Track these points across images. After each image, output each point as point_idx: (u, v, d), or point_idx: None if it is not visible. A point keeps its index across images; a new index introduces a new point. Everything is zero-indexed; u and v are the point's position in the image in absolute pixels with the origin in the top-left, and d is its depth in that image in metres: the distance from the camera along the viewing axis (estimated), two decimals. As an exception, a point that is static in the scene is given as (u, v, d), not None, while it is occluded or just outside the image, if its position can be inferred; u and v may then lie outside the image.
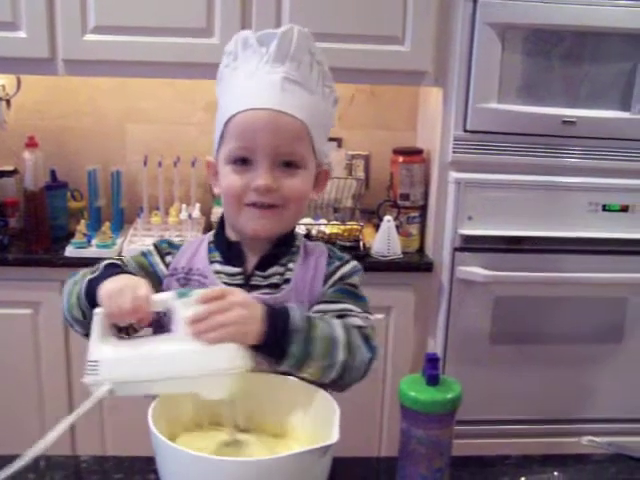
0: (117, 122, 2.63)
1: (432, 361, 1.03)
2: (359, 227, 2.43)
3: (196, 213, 2.45)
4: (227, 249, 1.23)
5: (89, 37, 2.22)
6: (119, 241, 2.40)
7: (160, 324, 1.13)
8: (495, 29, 2.20)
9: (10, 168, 2.52)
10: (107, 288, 1.05)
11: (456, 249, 2.36)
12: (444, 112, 2.31)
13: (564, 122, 2.26)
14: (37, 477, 1.10)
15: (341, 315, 1.15)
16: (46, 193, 2.44)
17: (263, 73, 1.15)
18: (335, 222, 2.46)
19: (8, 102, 2.45)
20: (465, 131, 2.28)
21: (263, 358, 1.05)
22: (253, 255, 1.22)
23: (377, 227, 2.43)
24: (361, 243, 2.40)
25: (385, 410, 2.44)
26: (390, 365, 2.38)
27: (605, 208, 2.36)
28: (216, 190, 1.23)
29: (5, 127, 2.45)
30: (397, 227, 2.40)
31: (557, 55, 2.25)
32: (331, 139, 2.61)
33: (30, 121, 2.56)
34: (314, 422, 1.05)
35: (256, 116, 1.13)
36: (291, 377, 1.08)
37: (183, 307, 1.01)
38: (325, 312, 1.14)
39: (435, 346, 2.41)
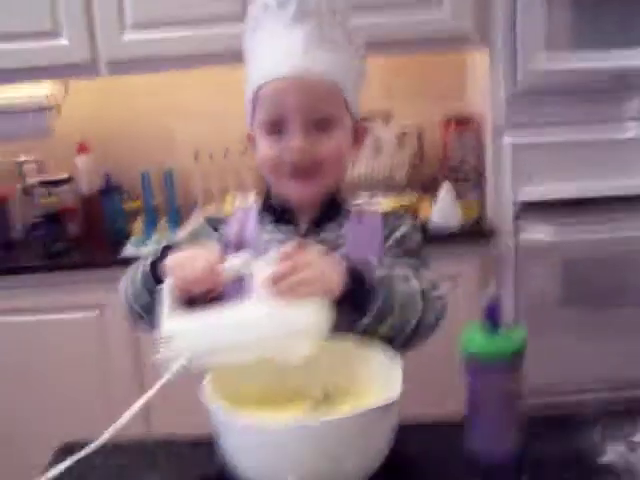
0: (165, 120, 2.64)
1: (493, 307, 0.98)
2: (415, 199, 2.37)
3: (251, 199, 2.43)
4: (276, 215, 1.21)
5: (128, 35, 2.24)
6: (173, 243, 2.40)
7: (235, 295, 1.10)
8: (536, -19, 2.12)
9: (65, 176, 2.55)
10: (175, 257, 1.04)
11: (518, 214, 2.28)
12: (492, 74, 2.24)
13: (620, 71, 2.16)
14: (103, 461, 1.08)
15: (405, 278, 1.10)
16: (101, 197, 2.47)
17: (284, 36, 1.12)
18: (390, 197, 2.41)
19: (58, 109, 2.47)
20: (515, 88, 2.20)
21: (343, 313, 1.01)
22: (303, 220, 1.20)
23: (434, 200, 2.37)
24: (419, 217, 2.35)
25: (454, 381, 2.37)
26: (458, 337, 2.31)
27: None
28: (258, 162, 1.21)
29: (52, 135, 2.47)
30: (455, 196, 2.34)
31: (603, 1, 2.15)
32: (380, 112, 2.56)
33: (79, 127, 2.59)
34: (383, 385, 1.00)
35: (282, 83, 1.11)
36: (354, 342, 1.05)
37: (259, 269, 0.98)
38: (391, 267, 1.11)
39: (504, 314, 2.33)
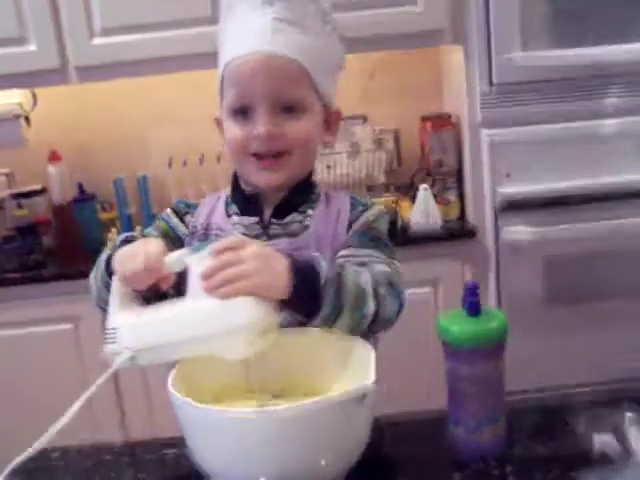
0: (137, 127, 2.60)
1: (472, 289, 0.94)
2: (395, 200, 2.34)
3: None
4: (244, 200, 1.17)
5: (97, 40, 2.19)
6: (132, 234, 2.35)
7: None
8: (509, -26, 2.10)
9: (38, 187, 2.50)
10: (120, 252, 1.00)
11: (498, 211, 2.25)
12: (467, 69, 2.22)
13: (596, 61, 2.14)
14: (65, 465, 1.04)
15: (364, 262, 1.06)
16: (75, 207, 2.42)
17: (254, 17, 1.08)
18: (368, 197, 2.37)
19: (27, 119, 2.43)
20: (491, 85, 2.18)
21: (291, 314, 0.97)
22: (270, 204, 1.16)
23: (413, 200, 2.34)
24: (399, 218, 2.31)
25: (431, 388, 2.33)
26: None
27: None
28: (225, 146, 1.17)
29: (26, 145, 2.43)
30: (434, 196, 2.31)
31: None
32: (356, 116, 2.54)
33: (51, 136, 2.54)
34: (352, 375, 0.96)
35: (248, 62, 1.08)
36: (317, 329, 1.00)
37: (196, 262, 0.93)
38: (348, 258, 1.07)
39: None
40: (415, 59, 2.56)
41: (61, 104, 2.55)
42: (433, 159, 2.37)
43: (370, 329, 1.01)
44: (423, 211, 2.28)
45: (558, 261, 2.26)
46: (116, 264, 0.99)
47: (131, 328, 0.96)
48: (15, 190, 2.50)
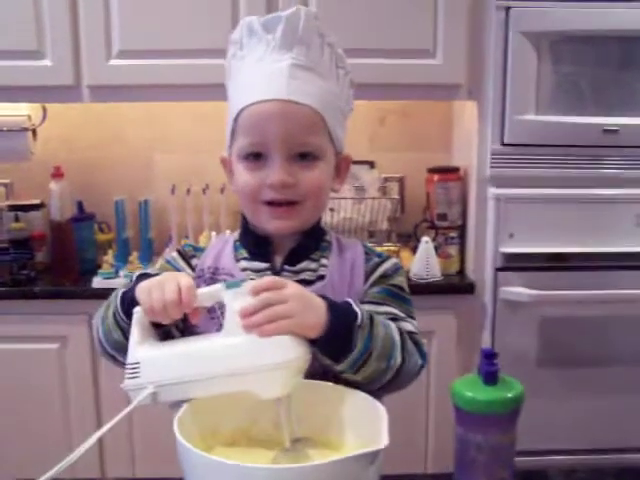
0: (144, 151, 2.59)
1: (489, 356, 0.93)
2: (396, 249, 2.33)
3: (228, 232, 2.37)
4: (253, 245, 1.15)
5: (114, 62, 2.19)
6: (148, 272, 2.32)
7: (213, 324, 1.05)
8: (529, 37, 2.12)
9: (37, 201, 2.47)
10: (145, 283, 0.97)
11: (498, 269, 2.24)
12: (480, 126, 2.22)
13: (605, 131, 2.16)
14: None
15: (388, 319, 1.05)
16: (73, 225, 2.39)
17: (270, 61, 1.07)
18: (371, 245, 2.36)
19: (34, 132, 2.41)
20: (503, 145, 2.19)
21: (322, 355, 0.95)
22: (281, 250, 1.14)
23: (414, 250, 2.33)
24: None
25: (430, 436, 2.30)
26: (433, 390, 2.26)
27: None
28: (233, 188, 1.15)
29: (31, 158, 2.41)
30: (436, 248, 2.30)
31: (595, 61, 2.17)
32: (363, 162, 2.54)
33: (56, 152, 2.52)
34: (364, 432, 0.93)
35: (265, 108, 1.06)
36: (334, 384, 0.97)
37: (233, 299, 0.91)
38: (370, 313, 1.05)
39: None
40: (427, 110, 2.57)
41: (70, 121, 2.54)
42: (437, 211, 2.37)
43: (390, 383, 0.99)
44: (423, 263, 2.26)
45: (554, 324, 2.25)
46: (141, 295, 0.96)
47: (155, 362, 0.93)
48: (13, 202, 2.47)
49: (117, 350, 1.04)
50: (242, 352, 0.89)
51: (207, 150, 2.57)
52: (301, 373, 0.91)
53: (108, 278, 2.23)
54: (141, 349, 0.95)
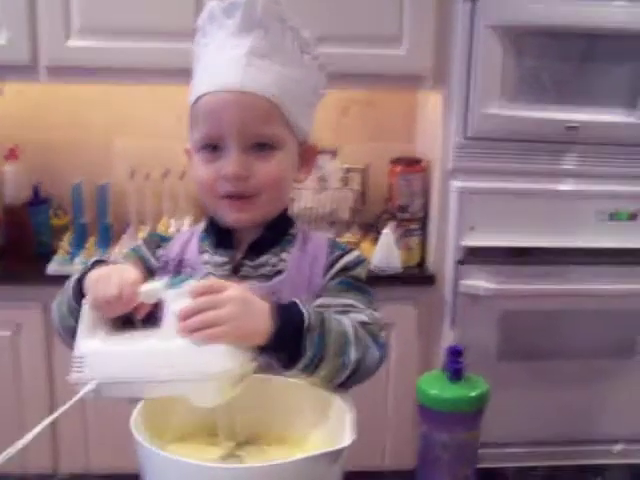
0: (103, 134, 2.52)
1: (455, 354, 0.92)
2: (357, 239, 2.32)
3: (185, 227, 2.33)
4: (216, 237, 1.12)
5: (73, 42, 2.12)
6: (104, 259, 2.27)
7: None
8: (495, 30, 2.10)
9: (-13, 184, 2.40)
10: (93, 274, 0.94)
11: (459, 261, 2.25)
12: (444, 118, 2.21)
13: (568, 127, 2.17)
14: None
15: (344, 311, 1.03)
16: (29, 209, 2.33)
17: (229, 47, 1.04)
18: (331, 235, 2.34)
19: (-12, 112, 2.34)
20: (466, 138, 2.18)
21: (270, 361, 0.93)
22: (244, 243, 1.11)
23: (375, 241, 2.32)
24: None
25: (389, 432, 2.31)
26: (392, 382, 2.25)
27: (613, 217, 2.26)
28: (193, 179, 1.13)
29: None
30: (396, 240, 2.29)
31: (559, 56, 2.16)
32: (325, 151, 2.51)
33: (12, 133, 2.43)
34: (326, 428, 0.92)
35: (218, 99, 1.03)
36: (294, 379, 0.95)
37: (173, 299, 0.88)
38: (327, 307, 1.02)
39: (439, 363, 2.28)
40: (391, 100, 2.56)
41: (26, 99, 2.45)
42: (399, 203, 2.36)
43: (348, 380, 0.96)
44: (384, 254, 2.25)
45: (514, 317, 2.27)
46: (89, 287, 0.93)
47: (98, 358, 0.91)
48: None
49: (73, 337, 0.99)
50: (175, 358, 0.86)
51: (168, 135, 2.53)
52: (239, 383, 0.88)
53: (64, 264, 2.18)
54: (87, 342, 0.92)
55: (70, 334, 1.00)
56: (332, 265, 1.10)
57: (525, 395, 2.30)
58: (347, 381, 0.97)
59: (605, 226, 2.25)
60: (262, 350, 0.90)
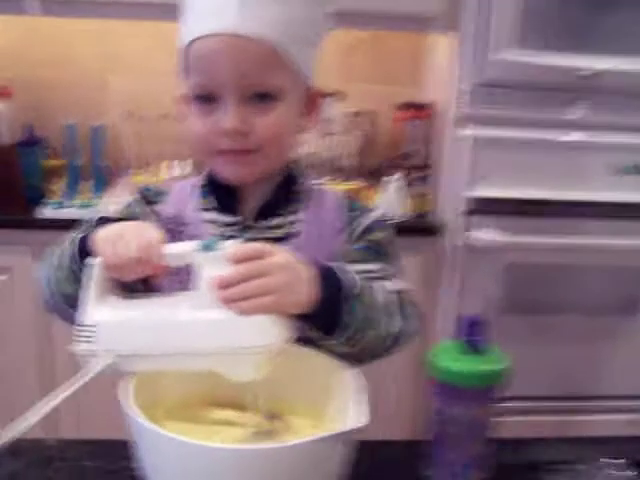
0: (98, 72, 2.41)
1: (473, 324, 0.85)
2: (363, 186, 2.23)
3: (188, 170, 2.24)
4: (218, 194, 1.03)
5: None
6: (100, 202, 2.20)
7: (177, 280, 0.92)
8: (512, -30, 1.99)
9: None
10: (105, 232, 0.84)
11: (467, 212, 2.16)
12: (456, 61, 2.10)
13: (587, 74, 2.06)
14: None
15: (377, 277, 0.95)
16: (20, 150, 2.23)
17: None
18: (336, 181, 2.26)
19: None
20: (477, 84, 2.07)
21: (311, 329, 0.85)
22: (250, 201, 1.02)
23: (382, 188, 2.23)
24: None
25: (389, 393, 2.26)
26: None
27: (628, 170, 2.17)
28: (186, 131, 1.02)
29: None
30: (404, 187, 2.21)
31: (577, 1, 2.05)
32: (330, 93, 2.41)
33: (3, 69, 2.33)
34: (339, 400, 0.85)
35: (211, 44, 0.91)
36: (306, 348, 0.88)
37: (209, 264, 0.79)
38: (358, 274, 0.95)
39: (444, 315, 2.23)
40: (399, 40, 2.44)
41: (19, 34, 2.33)
42: (407, 149, 2.27)
43: (386, 351, 0.91)
44: (390, 202, 2.17)
45: (520, 270, 2.20)
46: (103, 246, 0.83)
47: (114, 328, 0.82)
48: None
49: (69, 305, 0.92)
50: (214, 330, 0.78)
51: (166, 73, 2.41)
52: (279, 356, 0.80)
53: (57, 208, 2.09)
54: (99, 310, 0.82)
55: (67, 301, 0.92)
56: (352, 227, 1.02)
57: (527, 349, 2.24)
58: (385, 353, 0.92)
59: (619, 179, 2.17)
60: (303, 318, 0.82)
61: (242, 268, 0.77)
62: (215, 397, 0.89)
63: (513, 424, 2.04)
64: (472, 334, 0.84)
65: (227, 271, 0.77)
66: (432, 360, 0.85)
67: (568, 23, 2.06)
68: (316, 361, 0.88)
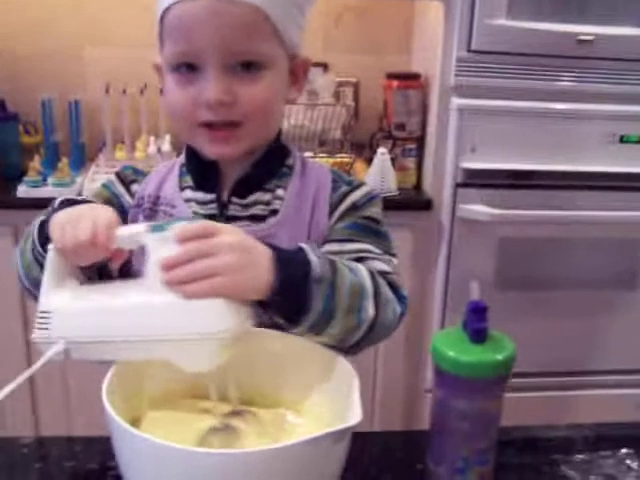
0: (75, 44, 2.31)
1: (478, 311, 0.79)
2: (350, 160, 2.17)
3: (166, 146, 2.17)
4: (198, 172, 0.97)
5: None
6: (79, 179, 2.12)
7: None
8: None
9: (-49, 98, 2.22)
10: (60, 216, 0.80)
11: (458, 185, 2.10)
12: (446, 29, 2.02)
13: (580, 41, 2.00)
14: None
15: (359, 258, 0.89)
16: (-6, 126, 2.16)
17: None
18: (322, 155, 2.19)
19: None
20: (469, 51, 2.00)
21: (272, 318, 0.79)
22: (231, 177, 0.96)
23: (369, 161, 2.17)
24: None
25: (378, 374, 2.22)
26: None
27: (623, 139, 2.12)
28: (164, 105, 0.96)
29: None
30: (392, 160, 2.14)
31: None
32: (316, 64, 2.34)
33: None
34: (327, 391, 0.81)
35: (192, 8, 0.84)
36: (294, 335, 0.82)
37: (157, 245, 0.74)
38: (337, 254, 0.89)
39: (434, 291, 2.18)
40: (386, 8, 2.37)
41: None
42: (395, 120, 2.20)
43: (362, 340, 0.84)
44: (378, 176, 2.11)
45: (514, 244, 2.15)
46: (54, 231, 0.79)
47: (67, 314, 0.78)
48: None
49: (37, 288, 0.87)
50: (161, 315, 0.73)
51: (146, 45, 2.32)
52: (235, 344, 0.75)
53: (35, 186, 2.02)
54: (53, 296, 0.79)
55: (36, 286, 0.87)
56: (338, 204, 0.96)
57: (523, 325, 2.19)
58: (361, 341, 0.84)
59: (614, 149, 2.12)
60: (262, 305, 0.77)
61: (186, 248, 0.72)
62: (203, 386, 0.83)
63: (509, 401, 2.02)
64: (476, 321, 0.78)
65: (174, 252, 0.72)
66: (434, 349, 0.80)
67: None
68: (305, 348, 0.82)
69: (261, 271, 0.74)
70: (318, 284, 0.77)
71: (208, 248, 0.72)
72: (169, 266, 0.72)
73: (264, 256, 0.75)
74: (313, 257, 0.79)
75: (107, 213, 0.79)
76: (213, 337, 0.72)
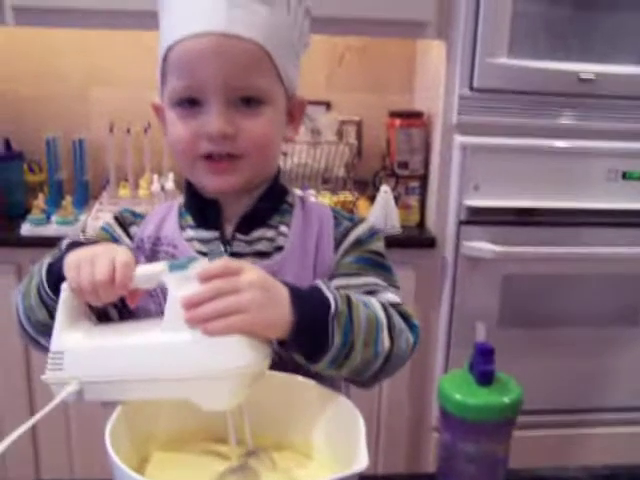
0: (80, 84, 2.34)
1: (485, 353, 0.78)
2: (353, 198, 2.17)
3: (169, 184, 2.18)
4: (200, 210, 0.98)
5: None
6: (82, 217, 2.12)
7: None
8: (505, -27, 1.94)
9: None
10: (75, 256, 0.80)
11: (461, 222, 2.11)
12: (448, 68, 2.04)
13: (581, 79, 2.02)
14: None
15: (369, 291, 0.90)
16: (-1, 165, 2.17)
17: None
18: (325, 193, 2.19)
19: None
20: (471, 89, 2.02)
21: (292, 355, 0.79)
22: (232, 215, 0.97)
23: (372, 199, 2.18)
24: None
25: (382, 412, 2.20)
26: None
27: (625, 176, 2.12)
28: (167, 140, 0.97)
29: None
30: (395, 198, 2.15)
31: (574, 4, 2.00)
32: (319, 102, 2.36)
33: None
34: (331, 432, 0.80)
35: (198, 44, 0.87)
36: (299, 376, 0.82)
37: (177, 284, 0.74)
38: (345, 289, 0.88)
39: (438, 329, 2.17)
40: (389, 48, 2.39)
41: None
42: (398, 159, 2.21)
43: (380, 372, 0.84)
44: (382, 214, 2.11)
45: (518, 281, 2.14)
46: (69, 270, 0.79)
47: (81, 354, 0.77)
48: None
49: (41, 333, 0.88)
50: (182, 353, 0.73)
51: (150, 85, 2.34)
52: (255, 382, 0.75)
53: (39, 224, 2.02)
54: (67, 336, 0.79)
55: (39, 330, 0.88)
56: (342, 239, 0.97)
57: (526, 362, 2.18)
58: (378, 373, 0.84)
59: (617, 186, 2.12)
60: (282, 343, 0.77)
61: (209, 286, 0.73)
62: (213, 429, 0.83)
63: (516, 439, 2.00)
64: (483, 363, 0.77)
65: (195, 290, 0.73)
66: (440, 391, 0.79)
67: (557, 29, 2.01)
68: (310, 391, 0.82)
69: (282, 310, 0.75)
70: (337, 321, 0.78)
71: (231, 286, 0.72)
72: (192, 304, 0.72)
73: (283, 295, 0.76)
74: (329, 294, 0.79)
75: (124, 252, 0.79)
76: (234, 373, 0.72)
